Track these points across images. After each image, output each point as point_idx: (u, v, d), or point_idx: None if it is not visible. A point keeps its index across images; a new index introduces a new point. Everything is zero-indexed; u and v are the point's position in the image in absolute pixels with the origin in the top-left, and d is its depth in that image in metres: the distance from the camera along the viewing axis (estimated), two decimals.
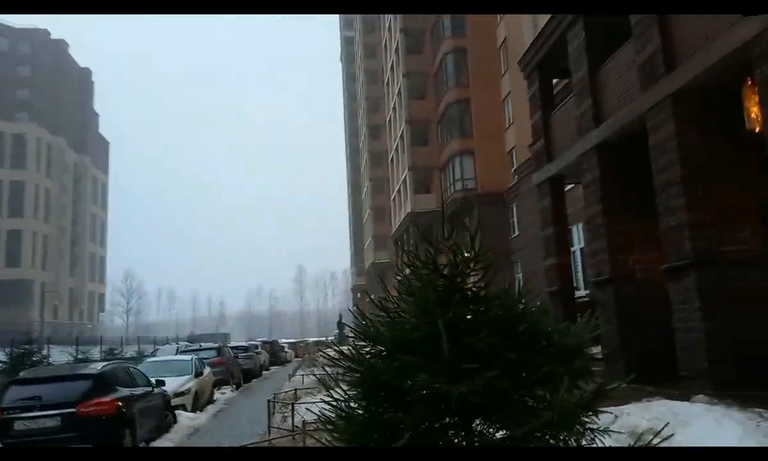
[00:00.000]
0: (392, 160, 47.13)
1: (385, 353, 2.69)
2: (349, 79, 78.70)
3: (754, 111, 8.20)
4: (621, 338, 11.05)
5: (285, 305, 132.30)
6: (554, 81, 15.72)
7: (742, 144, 9.17)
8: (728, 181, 9.17)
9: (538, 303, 2.93)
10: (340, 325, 38.63)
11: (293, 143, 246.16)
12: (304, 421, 9.03)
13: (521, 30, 28.06)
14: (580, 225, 17.69)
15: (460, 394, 2.39)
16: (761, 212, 9.17)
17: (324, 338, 57.90)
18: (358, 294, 69.99)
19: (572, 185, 15.57)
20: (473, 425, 2.64)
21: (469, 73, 34.94)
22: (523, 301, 2.82)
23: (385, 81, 49.12)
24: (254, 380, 25.06)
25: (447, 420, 2.61)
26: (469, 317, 2.72)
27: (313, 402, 9.07)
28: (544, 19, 14.15)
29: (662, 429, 2.57)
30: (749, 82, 8.30)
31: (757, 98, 8.14)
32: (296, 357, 40.24)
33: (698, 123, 9.17)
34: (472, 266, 2.88)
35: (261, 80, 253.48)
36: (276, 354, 35.68)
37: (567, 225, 14.22)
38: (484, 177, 33.43)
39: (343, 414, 2.61)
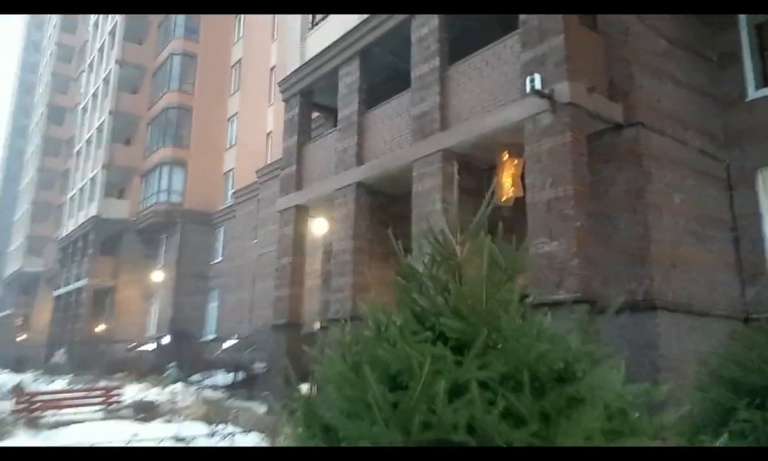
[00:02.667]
0: (79, 152, 40.55)
1: None
2: (32, 47, 66.28)
3: (508, 182, 9.34)
4: None
5: None
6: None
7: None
8: None
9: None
10: None
11: None
12: None
13: (267, 51, 27.83)
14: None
15: None
16: None
17: None
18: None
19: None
20: None
21: (196, 82, 32.81)
22: None
23: (89, 62, 42.56)
24: None
25: None
26: None
27: None
28: (313, 47, 14.03)
29: None
30: (505, 157, 9.47)
31: (511, 172, 9.33)
32: None
33: (467, 176, 10.05)
34: None
35: None
36: None
37: (305, 256, 13.97)
38: (193, 193, 31.28)
39: None
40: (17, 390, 11.48)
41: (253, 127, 28.77)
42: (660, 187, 8.40)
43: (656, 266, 8.03)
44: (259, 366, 16.80)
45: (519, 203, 9.45)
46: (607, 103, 8.39)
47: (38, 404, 11.00)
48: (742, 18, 9.98)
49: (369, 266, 11.83)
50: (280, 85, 15.08)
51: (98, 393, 12.07)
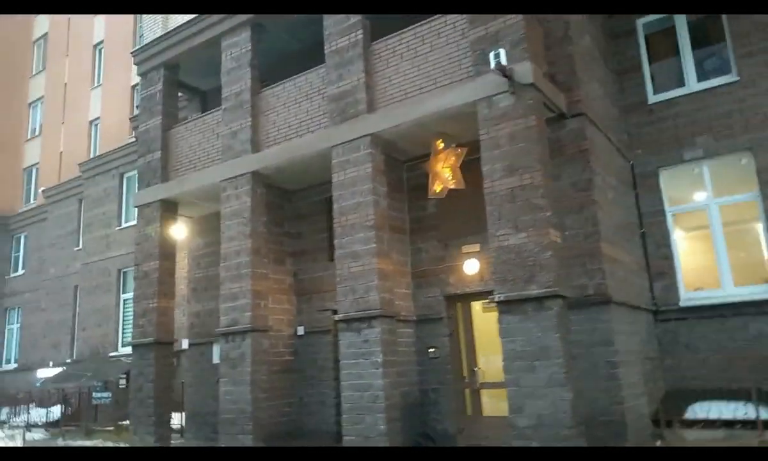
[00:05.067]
0: None
1: None
2: None
3: (446, 172, 8.50)
4: (254, 398, 9.31)
5: None
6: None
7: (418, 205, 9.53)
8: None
9: None
10: None
11: None
12: None
13: (89, 24, 23.65)
14: None
15: None
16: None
17: None
18: None
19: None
20: None
21: None
22: None
23: None
24: None
25: None
26: None
27: None
28: (177, 17, 11.81)
29: None
30: (441, 145, 8.63)
31: (450, 161, 8.52)
32: None
33: (387, 169, 8.97)
34: None
35: None
36: None
37: (174, 261, 11.58)
38: None
39: None
40: None
41: (68, 113, 24.25)
42: (600, 183, 8.26)
43: (605, 263, 7.83)
44: (101, 396, 13.74)
45: (453, 195, 8.69)
46: (555, 92, 8.04)
47: None
48: (640, 28, 10.52)
49: (267, 269, 10.12)
50: (135, 56, 12.46)
51: None
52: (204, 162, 10.93)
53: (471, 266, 9.04)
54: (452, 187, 8.43)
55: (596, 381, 7.47)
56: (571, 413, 6.53)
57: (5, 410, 18.17)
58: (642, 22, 10.50)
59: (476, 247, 9.01)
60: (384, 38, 8.91)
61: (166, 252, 11.38)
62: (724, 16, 9.75)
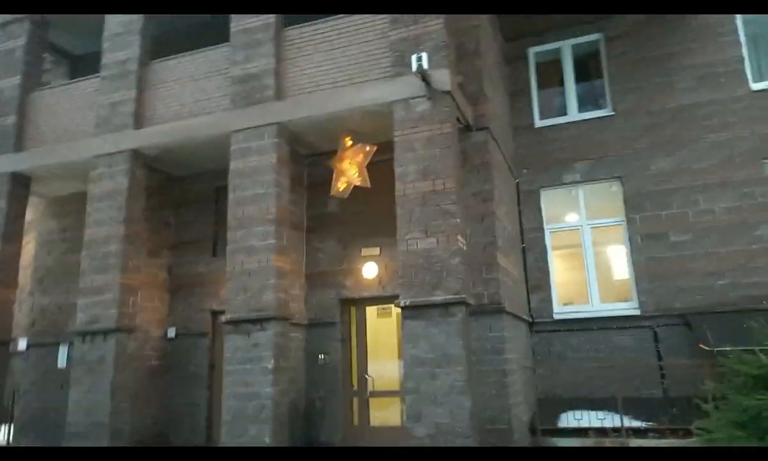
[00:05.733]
0: None
1: None
2: None
3: (352, 170, 8.28)
4: (114, 407, 8.25)
5: None
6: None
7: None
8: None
9: None
10: None
11: None
12: None
13: None
14: None
15: None
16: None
17: None
18: None
19: None
20: None
21: None
22: None
23: None
24: None
25: None
26: None
27: None
28: None
29: None
30: (348, 143, 8.41)
31: (357, 160, 8.32)
32: None
33: (291, 161, 8.51)
34: None
35: None
36: None
37: (20, 245, 9.94)
38: None
39: None
40: None
41: None
42: (497, 197, 8.58)
43: (500, 273, 8.11)
44: None
45: (355, 196, 8.50)
46: (465, 104, 8.21)
47: None
48: (531, 56, 11.21)
49: (138, 261, 9.08)
50: None
51: None
52: (73, 134, 9.57)
53: (370, 270, 8.89)
54: (358, 184, 8.23)
55: (487, 388, 7.66)
56: (468, 421, 6.59)
57: None
58: (533, 50, 11.20)
59: (376, 250, 8.89)
60: (299, 25, 8.51)
61: (12, 234, 9.76)
62: (603, 55, 10.70)
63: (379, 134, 8.00)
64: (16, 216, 9.85)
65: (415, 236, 7.14)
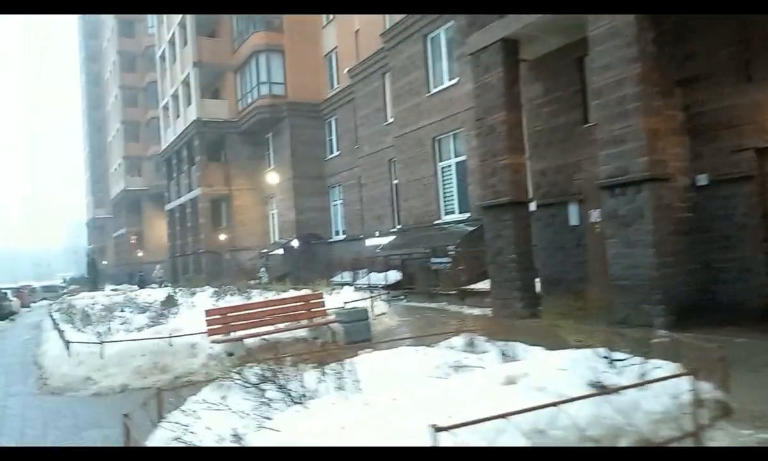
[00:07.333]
0: (163, 56, 37.66)
1: None
2: None
3: None
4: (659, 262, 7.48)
5: None
6: None
7: None
8: None
9: None
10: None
11: None
12: None
13: None
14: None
15: None
16: None
17: (55, 282, 45.86)
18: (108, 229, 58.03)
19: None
20: None
21: None
22: None
23: None
24: None
25: None
26: None
27: None
28: None
29: None
30: None
31: None
32: (22, 306, 29.21)
33: None
34: None
35: None
36: None
37: (521, 112, 10.11)
38: (295, 83, 27.55)
39: None
40: (209, 309, 8.74)
41: None
42: None
43: None
44: (440, 261, 13.83)
45: None
46: None
47: (236, 322, 8.25)
48: None
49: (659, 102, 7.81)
50: None
51: (299, 303, 9.21)
52: None
53: None
54: None
55: None
56: None
57: (346, 273, 20.15)
58: None
59: None
60: None
61: (512, 101, 9.90)
62: None
63: None
64: (512, 82, 9.92)
65: None
